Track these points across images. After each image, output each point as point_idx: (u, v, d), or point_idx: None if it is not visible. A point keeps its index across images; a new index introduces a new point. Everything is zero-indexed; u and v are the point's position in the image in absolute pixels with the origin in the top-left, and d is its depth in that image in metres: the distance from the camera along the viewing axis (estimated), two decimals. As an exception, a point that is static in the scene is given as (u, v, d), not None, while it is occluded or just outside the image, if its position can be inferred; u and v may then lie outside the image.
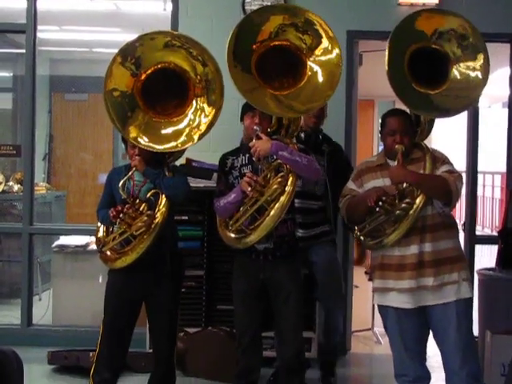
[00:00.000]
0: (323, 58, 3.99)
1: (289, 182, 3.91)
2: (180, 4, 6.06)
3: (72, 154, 9.43)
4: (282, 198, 3.89)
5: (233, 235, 4.03)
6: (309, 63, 3.99)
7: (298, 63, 4.02)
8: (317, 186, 4.94)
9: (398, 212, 3.71)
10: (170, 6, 6.19)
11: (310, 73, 3.99)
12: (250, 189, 3.91)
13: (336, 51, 3.98)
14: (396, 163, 3.81)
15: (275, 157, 3.96)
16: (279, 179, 3.90)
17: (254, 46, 3.96)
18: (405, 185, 3.73)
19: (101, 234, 4.22)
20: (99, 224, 4.25)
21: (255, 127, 4.03)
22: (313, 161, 4.05)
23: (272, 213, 3.89)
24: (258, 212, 3.94)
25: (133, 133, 3.93)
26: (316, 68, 3.99)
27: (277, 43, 3.99)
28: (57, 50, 9.48)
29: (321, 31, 3.97)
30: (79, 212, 8.92)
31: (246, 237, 3.97)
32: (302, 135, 4.97)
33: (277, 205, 3.89)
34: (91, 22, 8.25)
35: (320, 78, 3.99)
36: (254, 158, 4.03)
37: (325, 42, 3.98)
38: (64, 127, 9.50)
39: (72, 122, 9.47)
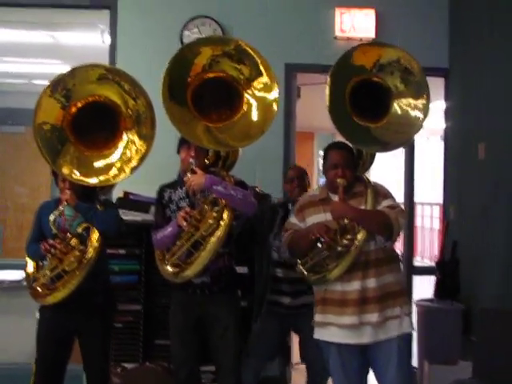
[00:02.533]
0: (260, 94, 3.96)
1: (224, 216, 3.88)
2: (118, 37, 6.05)
3: (8, 187, 9.27)
4: (218, 233, 3.86)
5: (170, 269, 3.99)
6: (246, 95, 3.98)
7: (235, 95, 3.99)
8: None
9: (339, 248, 3.69)
10: (108, 39, 6.16)
11: (245, 106, 3.97)
12: (185, 223, 3.89)
13: (275, 88, 3.93)
14: (337, 198, 3.81)
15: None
16: (214, 214, 3.88)
17: (189, 80, 3.94)
18: (346, 220, 3.72)
19: (30, 269, 4.14)
20: (28, 259, 4.17)
21: (191, 160, 4.01)
22: (248, 195, 4.04)
23: (208, 247, 3.86)
24: (194, 246, 3.91)
25: (64, 166, 3.86)
26: (252, 101, 3.96)
27: (211, 75, 3.97)
28: (-6, 81, 9.38)
29: (259, 63, 3.94)
30: (16, 246, 8.73)
31: (182, 271, 3.93)
32: (290, 205, 4.86)
33: (212, 239, 3.86)
34: (29, 53, 8.19)
35: (255, 114, 3.95)
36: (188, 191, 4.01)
37: (264, 77, 3.96)
38: (0, 160, 9.35)
39: (8, 154, 9.32)
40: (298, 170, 5.06)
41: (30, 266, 4.15)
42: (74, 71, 3.86)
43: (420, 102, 3.89)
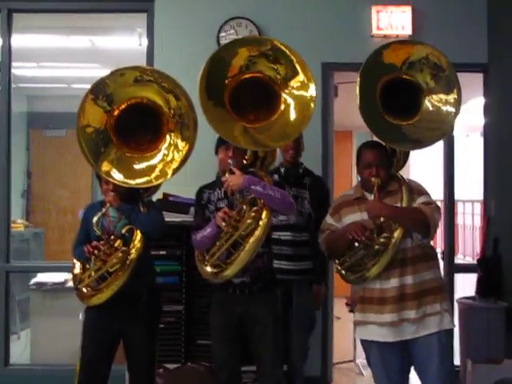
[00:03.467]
0: (298, 92, 3.96)
1: (263, 216, 3.89)
2: (155, 39, 6.09)
3: (50, 190, 9.38)
4: (257, 233, 3.87)
5: (209, 269, 4.00)
6: (283, 95, 3.98)
7: (273, 95, 4.01)
8: (302, 217, 4.96)
9: (377, 247, 3.70)
10: (145, 41, 6.21)
11: (283, 106, 3.98)
12: (224, 224, 3.90)
13: (311, 86, 3.94)
14: (373, 197, 3.80)
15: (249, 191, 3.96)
16: (253, 214, 3.89)
17: (226, 81, 3.95)
18: (382, 219, 3.73)
19: (77, 270, 4.19)
20: (75, 261, 4.22)
21: (229, 161, 4.03)
22: (286, 195, 4.05)
23: (247, 247, 3.87)
24: (233, 246, 3.92)
25: (106, 168, 3.91)
26: (290, 101, 3.97)
27: (248, 76, 3.98)
28: (34, 86, 9.48)
29: (295, 62, 3.94)
30: (58, 249, 8.83)
31: (222, 271, 3.94)
32: (282, 170, 5.00)
33: (251, 239, 3.87)
34: (68, 58, 8.27)
35: (292, 114, 3.97)
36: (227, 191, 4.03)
37: (301, 76, 3.96)
38: (42, 164, 9.46)
39: (50, 158, 9.43)
40: None
41: (77, 267, 4.20)
42: (112, 75, 3.90)
43: (451, 97, 3.88)
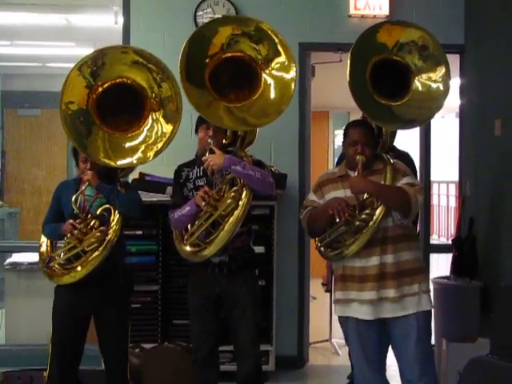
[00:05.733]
0: (278, 73, 3.96)
1: (243, 196, 3.90)
2: (132, 17, 6.03)
3: (25, 170, 9.32)
4: (237, 212, 3.87)
5: (189, 249, 3.99)
6: (263, 75, 3.97)
7: (253, 75, 3.99)
8: None
9: (357, 223, 3.71)
10: (121, 20, 6.15)
11: (263, 86, 3.97)
12: (204, 203, 3.90)
13: (292, 67, 3.94)
14: (356, 173, 3.82)
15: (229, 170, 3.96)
16: (233, 193, 3.89)
17: (207, 60, 3.93)
18: (365, 196, 3.74)
19: (43, 248, 4.17)
20: (43, 238, 4.19)
21: (209, 140, 4.02)
22: (266, 175, 4.04)
23: (226, 227, 3.87)
24: (212, 226, 3.92)
25: (90, 148, 3.86)
26: (270, 81, 3.96)
27: (229, 55, 3.96)
28: (9, 64, 9.39)
29: (277, 43, 3.93)
30: (33, 229, 8.78)
31: (201, 250, 3.93)
32: None
33: (231, 219, 3.87)
34: (43, 36, 8.19)
35: (272, 93, 3.96)
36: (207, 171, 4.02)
37: (282, 57, 3.95)
38: (17, 143, 9.39)
39: (25, 137, 9.36)
40: None
41: (44, 245, 4.18)
42: (105, 50, 3.86)
43: (440, 74, 3.90)
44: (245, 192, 3.91)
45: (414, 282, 3.80)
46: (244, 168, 3.94)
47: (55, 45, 8.66)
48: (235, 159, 3.97)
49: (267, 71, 3.96)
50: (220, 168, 3.96)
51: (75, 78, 3.81)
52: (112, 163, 3.90)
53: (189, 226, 4.01)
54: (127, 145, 3.92)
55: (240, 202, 3.89)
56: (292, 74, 3.93)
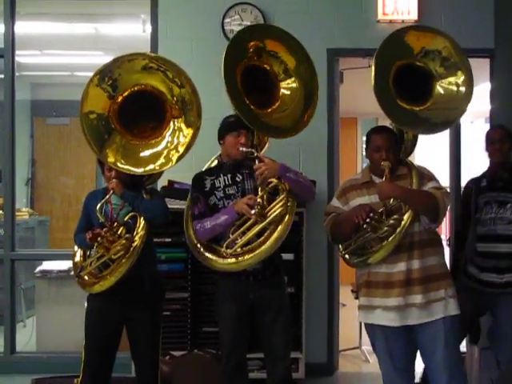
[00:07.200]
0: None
1: (290, 204, 3.94)
2: (159, 26, 6.05)
3: (54, 178, 9.37)
4: (286, 219, 3.93)
5: (232, 260, 3.98)
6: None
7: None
8: None
9: (385, 228, 3.68)
10: (149, 28, 6.18)
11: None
12: (253, 211, 3.88)
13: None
14: (383, 180, 3.78)
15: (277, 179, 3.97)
16: (282, 201, 3.92)
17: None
18: (392, 201, 3.71)
19: (77, 258, 4.21)
20: (76, 248, 4.22)
21: (242, 148, 4.02)
22: (309, 181, 4.14)
23: (276, 234, 3.91)
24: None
25: (110, 156, 3.90)
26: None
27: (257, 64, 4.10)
28: (38, 74, 9.45)
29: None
30: (62, 237, 8.82)
31: (243, 260, 3.95)
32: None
33: (280, 226, 3.91)
34: (72, 45, 8.24)
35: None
36: (257, 180, 3.98)
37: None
38: (46, 151, 9.45)
39: (54, 146, 9.41)
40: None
41: (78, 255, 4.21)
42: (119, 60, 3.89)
43: (460, 79, 3.91)
44: (291, 199, 3.95)
45: (441, 287, 3.78)
46: (296, 175, 4.00)
47: (83, 54, 8.71)
48: (287, 167, 4.01)
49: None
50: (275, 176, 3.96)
51: (94, 89, 3.87)
52: (133, 170, 3.92)
53: (230, 235, 3.97)
54: (149, 151, 3.96)
55: (289, 210, 3.94)
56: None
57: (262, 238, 3.93)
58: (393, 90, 3.86)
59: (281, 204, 3.91)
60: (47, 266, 6.50)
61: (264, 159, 3.97)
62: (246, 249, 3.93)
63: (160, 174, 4.32)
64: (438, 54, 3.92)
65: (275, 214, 3.90)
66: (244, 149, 4.02)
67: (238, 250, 3.94)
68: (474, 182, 4.84)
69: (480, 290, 4.61)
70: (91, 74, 3.88)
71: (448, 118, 3.98)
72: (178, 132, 3.95)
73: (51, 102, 9.53)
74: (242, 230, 3.94)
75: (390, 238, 3.69)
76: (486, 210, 4.64)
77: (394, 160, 3.84)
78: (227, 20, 5.96)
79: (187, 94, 3.92)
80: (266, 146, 4.70)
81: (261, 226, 3.90)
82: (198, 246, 4.15)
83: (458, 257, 4.88)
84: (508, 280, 4.53)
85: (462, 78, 3.90)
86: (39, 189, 9.34)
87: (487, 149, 4.80)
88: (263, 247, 3.91)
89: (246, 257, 3.93)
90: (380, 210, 3.72)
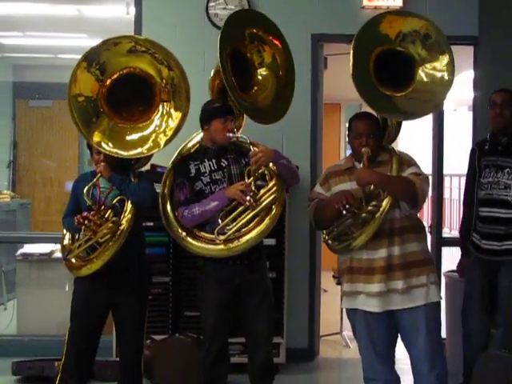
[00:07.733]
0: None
1: (280, 189, 3.99)
2: (143, 8, 6.00)
3: (37, 161, 9.31)
4: (278, 205, 4.00)
5: (222, 246, 3.98)
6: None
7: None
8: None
9: (364, 215, 3.70)
10: (133, 10, 6.13)
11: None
12: (248, 198, 3.89)
13: None
14: (362, 165, 3.79)
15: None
16: (274, 187, 3.97)
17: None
18: (372, 187, 3.72)
19: (66, 241, 4.20)
20: (65, 232, 4.21)
21: (229, 134, 4.02)
22: (294, 166, 4.20)
23: (267, 220, 3.96)
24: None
25: (97, 138, 3.89)
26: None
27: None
28: (20, 56, 9.39)
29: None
30: (44, 220, 8.80)
31: (234, 246, 3.96)
32: (488, 137, 4.76)
33: (273, 211, 3.98)
34: (55, 27, 8.17)
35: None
36: (252, 165, 3.99)
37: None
38: (28, 134, 9.37)
39: (36, 128, 9.35)
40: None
41: (66, 238, 4.21)
42: (106, 43, 3.86)
43: (444, 62, 3.87)
44: (281, 185, 4.01)
45: (422, 274, 3.80)
46: (288, 161, 4.07)
47: (67, 36, 8.64)
48: (280, 153, 4.08)
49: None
50: (269, 162, 3.99)
51: (82, 74, 3.84)
52: (121, 153, 3.91)
53: (220, 221, 3.97)
54: (137, 135, 3.95)
55: (278, 195, 3.99)
56: None
57: (253, 223, 3.94)
58: (373, 76, 3.84)
59: (273, 190, 3.94)
60: (28, 248, 6.47)
61: (259, 145, 4.00)
62: (238, 234, 3.95)
63: (149, 157, 4.29)
64: (416, 34, 3.87)
65: (268, 200, 3.93)
66: (231, 134, 4.02)
67: (231, 236, 3.95)
68: (479, 144, 4.85)
69: (482, 258, 4.63)
70: (74, 56, 3.87)
71: (425, 107, 3.94)
72: (166, 116, 3.94)
73: (34, 84, 9.45)
74: (233, 215, 3.94)
75: (370, 224, 3.70)
76: (485, 174, 4.65)
77: (375, 146, 3.84)
78: (211, 4, 5.91)
79: (176, 77, 3.91)
80: (240, 129, 4.70)
81: (254, 212, 3.92)
82: (181, 232, 4.14)
83: (466, 223, 4.88)
84: (508, 248, 4.52)
85: (446, 61, 3.86)
86: (21, 171, 9.27)
87: (490, 113, 4.75)
88: (255, 232, 3.94)
89: (238, 242, 3.94)
90: (359, 197, 3.73)
